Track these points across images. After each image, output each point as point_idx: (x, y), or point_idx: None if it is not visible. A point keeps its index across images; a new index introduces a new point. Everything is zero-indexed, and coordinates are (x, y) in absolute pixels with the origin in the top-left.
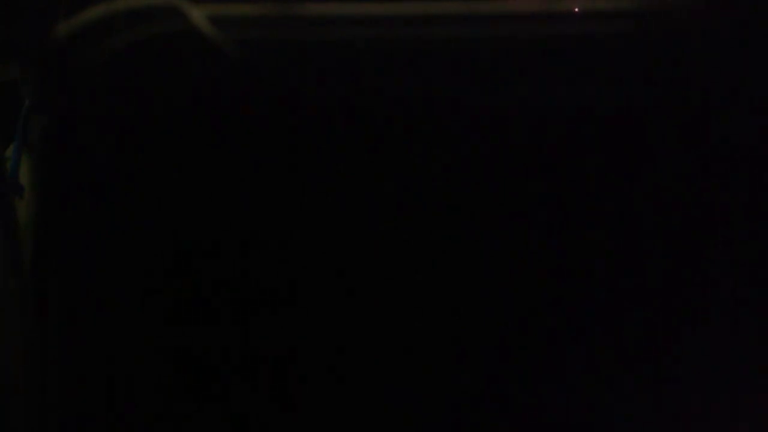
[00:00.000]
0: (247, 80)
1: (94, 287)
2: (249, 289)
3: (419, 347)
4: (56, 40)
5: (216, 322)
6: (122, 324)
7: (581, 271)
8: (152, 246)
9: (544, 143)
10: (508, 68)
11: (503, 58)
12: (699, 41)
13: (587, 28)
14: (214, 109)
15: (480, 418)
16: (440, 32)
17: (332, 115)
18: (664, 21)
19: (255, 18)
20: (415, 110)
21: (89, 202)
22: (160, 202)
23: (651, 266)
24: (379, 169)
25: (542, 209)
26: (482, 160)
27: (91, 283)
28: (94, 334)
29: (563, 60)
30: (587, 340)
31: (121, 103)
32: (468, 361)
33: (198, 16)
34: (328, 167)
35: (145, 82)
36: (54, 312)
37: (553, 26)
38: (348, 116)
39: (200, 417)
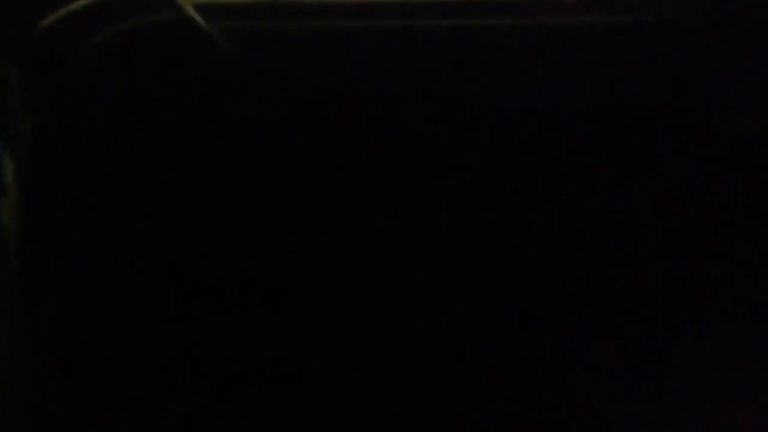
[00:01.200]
0: (240, 71)
1: (84, 287)
2: (243, 288)
3: (420, 347)
4: (44, 32)
5: (210, 320)
6: (111, 324)
7: (579, 270)
8: (143, 244)
9: (543, 139)
10: (508, 60)
11: (503, 48)
12: (699, 39)
13: (587, 19)
14: (206, 100)
15: (481, 419)
16: (436, 22)
17: (327, 107)
18: (663, 18)
19: (247, 8)
20: (410, 100)
21: (78, 199)
22: (150, 198)
23: (651, 265)
24: (373, 160)
25: (540, 207)
26: (480, 154)
27: (81, 283)
28: (83, 333)
29: (564, 53)
30: (588, 340)
31: (112, 96)
32: (469, 362)
33: (190, 6)
34: (323, 159)
35: (136, 74)
36: (43, 311)
37: (553, 17)
38: (343, 107)
39: (196, 416)
